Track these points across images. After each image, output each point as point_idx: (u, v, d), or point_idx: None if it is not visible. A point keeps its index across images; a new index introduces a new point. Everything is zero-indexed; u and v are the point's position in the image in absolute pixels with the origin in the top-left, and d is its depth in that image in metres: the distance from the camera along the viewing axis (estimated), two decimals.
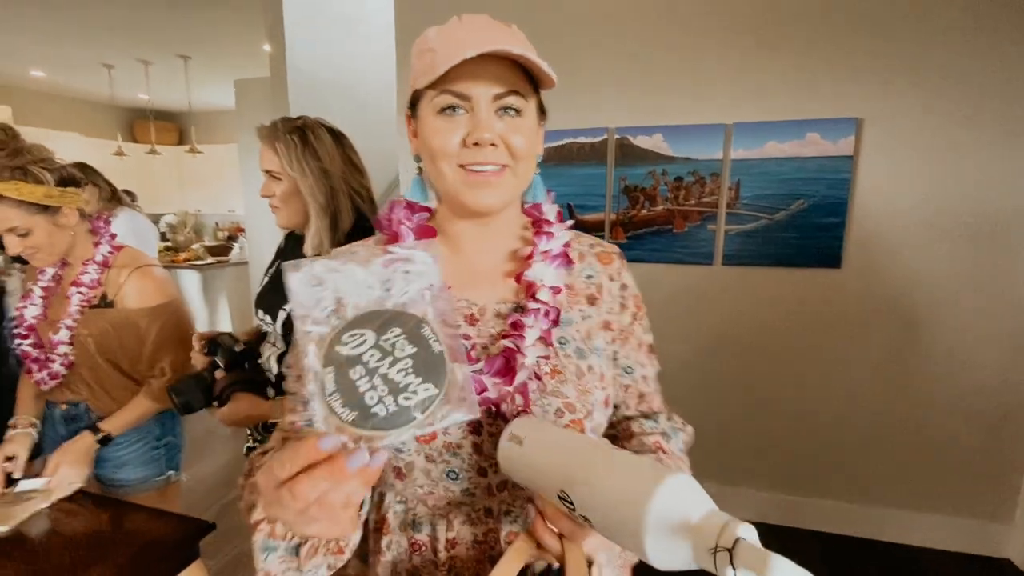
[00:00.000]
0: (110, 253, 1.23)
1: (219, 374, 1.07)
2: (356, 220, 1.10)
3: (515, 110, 0.55)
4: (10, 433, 1.19)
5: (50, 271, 1.23)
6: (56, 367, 1.18)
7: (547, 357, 0.57)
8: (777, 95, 1.96)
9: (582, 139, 2.16)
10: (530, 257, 0.62)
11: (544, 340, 0.57)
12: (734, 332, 2.15)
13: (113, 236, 1.26)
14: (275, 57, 3.09)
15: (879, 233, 1.95)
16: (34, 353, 1.19)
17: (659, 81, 2.07)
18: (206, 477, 2.69)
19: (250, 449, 1.17)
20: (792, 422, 2.15)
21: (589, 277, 0.65)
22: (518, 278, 0.61)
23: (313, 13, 3.14)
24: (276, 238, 1.30)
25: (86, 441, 1.16)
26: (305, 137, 1.06)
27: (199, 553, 1.03)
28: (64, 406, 1.23)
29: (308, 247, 1.08)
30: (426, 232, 0.61)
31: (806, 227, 2.00)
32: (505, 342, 0.56)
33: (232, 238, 6.07)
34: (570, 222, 0.67)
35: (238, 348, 1.08)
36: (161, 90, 5.95)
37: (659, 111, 2.08)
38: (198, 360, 1.10)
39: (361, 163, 1.16)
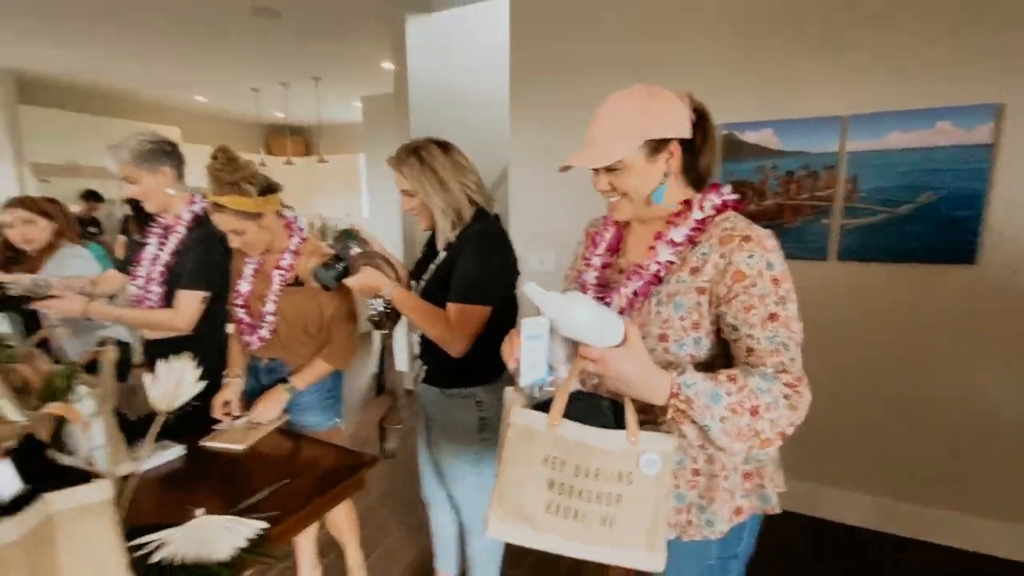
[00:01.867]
0: (300, 244, 1.55)
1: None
2: (476, 211, 1.34)
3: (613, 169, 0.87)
4: (225, 381, 1.54)
5: (255, 257, 1.57)
6: (263, 332, 1.51)
7: (632, 304, 0.88)
8: (900, 83, 1.89)
9: None
10: (658, 238, 0.88)
11: (636, 293, 0.87)
12: (850, 330, 2.08)
13: (301, 230, 1.58)
14: (398, 74, 3.47)
15: (1022, 227, 1.81)
16: (247, 320, 1.54)
17: (769, 76, 2.08)
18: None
19: (370, 314, 1.40)
20: (916, 429, 2.04)
21: (703, 254, 0.84)
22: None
23: (431, 34, 3.47)
24: (394, 238, 1.57)
25: (279, 391, 1.48)
26: (421, 157, 1.31)
27: (364, 483, 1.28)
28: (266, 361, 1.56)
29: (440, 241, 1.35)
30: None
31: (935, 220, 1.90)
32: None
33: None
34: (710, 211, 0.88)
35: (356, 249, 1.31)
36: (295, 108, 6.76)
37: (769, 106, 2.09)
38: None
39: (468, 162, 1.37)
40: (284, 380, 1.50)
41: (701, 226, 0.87)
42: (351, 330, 1.56)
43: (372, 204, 4.68)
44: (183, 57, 4.64)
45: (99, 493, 0.70)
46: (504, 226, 1.41)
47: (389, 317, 1.36)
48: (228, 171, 1.39)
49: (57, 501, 0.68)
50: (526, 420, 0.77)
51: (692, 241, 0.86)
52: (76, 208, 4.60)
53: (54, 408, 0.77)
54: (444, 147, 1.34)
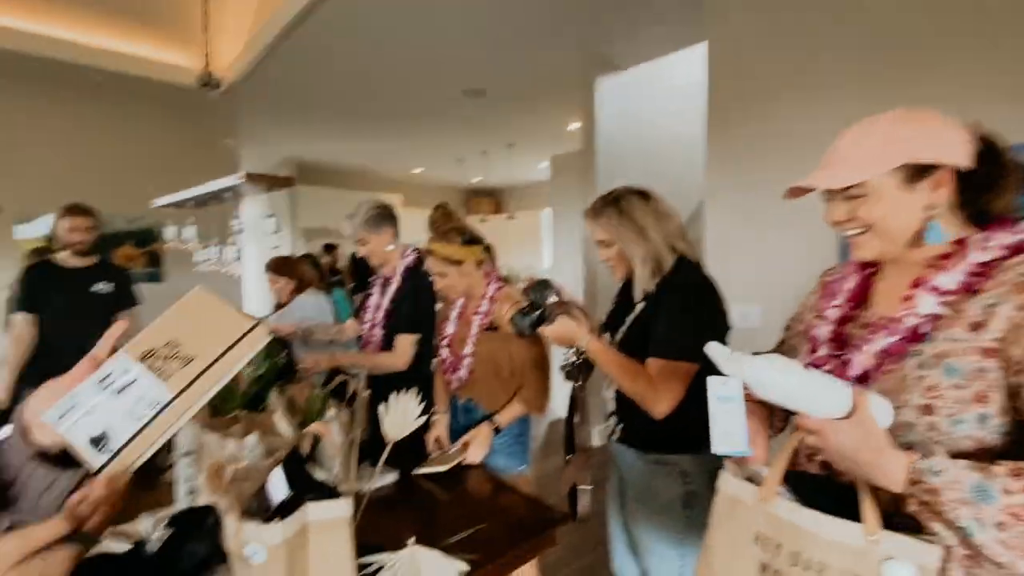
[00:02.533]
0: (496, 291, 1.66)
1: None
2: (677, 259, 1.25)
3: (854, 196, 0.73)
4: (434, 418, 1.69)
5: (459, 302, 1.73)
6: (462, 372, 1.63)
7: (879, 365, 0.71)
8: None
9: None
10: (918, 284, 0.72)
11: (887, 352, 0.71)
12: None
13: (499, 279, 1.69)
14: (585, 131, 3.63)
15: None
16: (450, 360, 1.68)
17: None
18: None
19: (564, 365, 1.38)
20: None
21: (989, 305, 0.66)
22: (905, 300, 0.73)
23: (618, 90, 3.58)
24: (575, 290, 1.53)
25: (487, 430, 1.55)
26: (619, 207, 1.28)
27: (555, 541, 1.24)
28: (463, 400, 1.67)
29: (637, 291, 1.28)
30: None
31: None
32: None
33: None
34: (999, 252, 0.68)
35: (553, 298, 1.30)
36: (490, 171, 7.56)
37: None
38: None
39: (669, 209, 1.31)
40: (481, 420, 1.58)
41: (984, 270, 0.68)
42: (543, 376, 1.59)
43: (555, 255, 4.88)
44: (405, 136, 5.62)
45: (341, 511, 0.80)
46: None
47: (582, 369, 1.34)
48: (442, 222, 1.60)
49: (312, 512, 0.79)
50: (733, 489, 0.68)
51: (970, 289, 0.68)
52: (325, 259, 5.77)
53: (315, 427, 0.91)
54: (643, 195, 1.31)
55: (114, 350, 0.45)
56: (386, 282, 1.96)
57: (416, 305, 1.85)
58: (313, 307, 2.51)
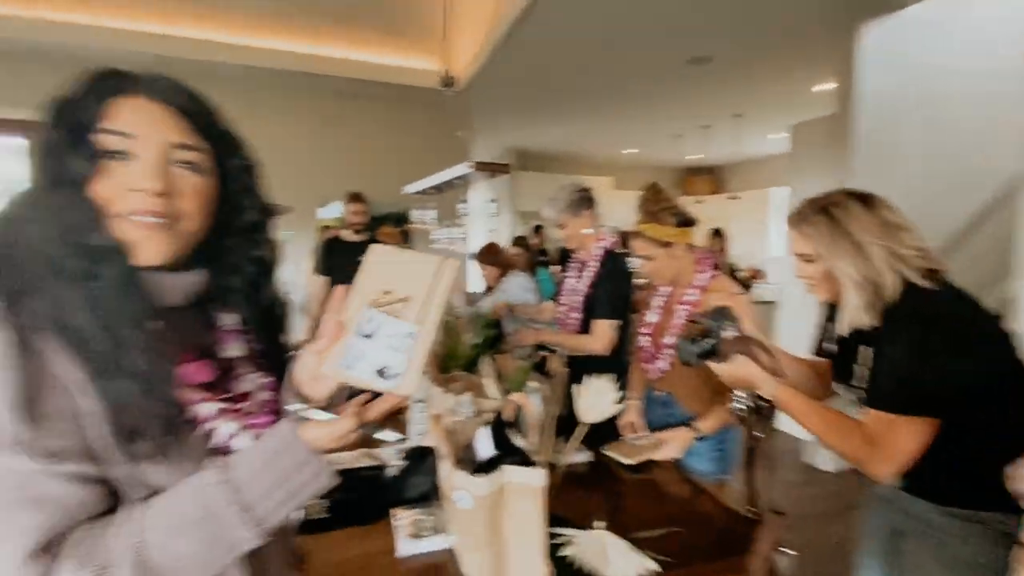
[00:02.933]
0: (708, 280, 1.51)
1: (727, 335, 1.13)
2: (906, 287, 0.93)
3: None
4: (627, 403, 1.65)
5: (664, 289, 1.63)
6: (662, 364, 1.55)
7: None
8: None
9: None
10: None
11: None
12: None
13: (715, 267, 1.54)
14: (840, 93, 3.01)
15: None
16: (649, 350, 1.61)
17: None
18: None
19: (737, 408, 1.21)
20: None
21: None
22: None
23: (890, 37, 2.85)
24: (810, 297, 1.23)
25: (687, 435, 1.46)
26: (831, 215, 0.99)
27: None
28: (660, 393, 1.59)
29: (843, 322, 0.99)
30: None
31: None
32: None
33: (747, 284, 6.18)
34: None
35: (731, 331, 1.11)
36: (711, 148, 6.94)
37: None
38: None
39: (903, 220, 0.98)
40: (680, 418, 1.49)
41: None
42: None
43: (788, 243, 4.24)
44: (619, 117, 5.51)
45: (536, 480, 0.84)
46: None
47: (760, 415, 1.13)
48: (652, 202, 1.51)
49: (510, 474, 0.85)
50: None
51: None
52: (534, 240, 6.13)
53: (517, 396, 0.98)
54: (867, 201, 1.00)
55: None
56: (583, 266, 1.97)
57: (615, 290, 1.81)
58: (517, 288, 2.69)
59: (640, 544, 0.95)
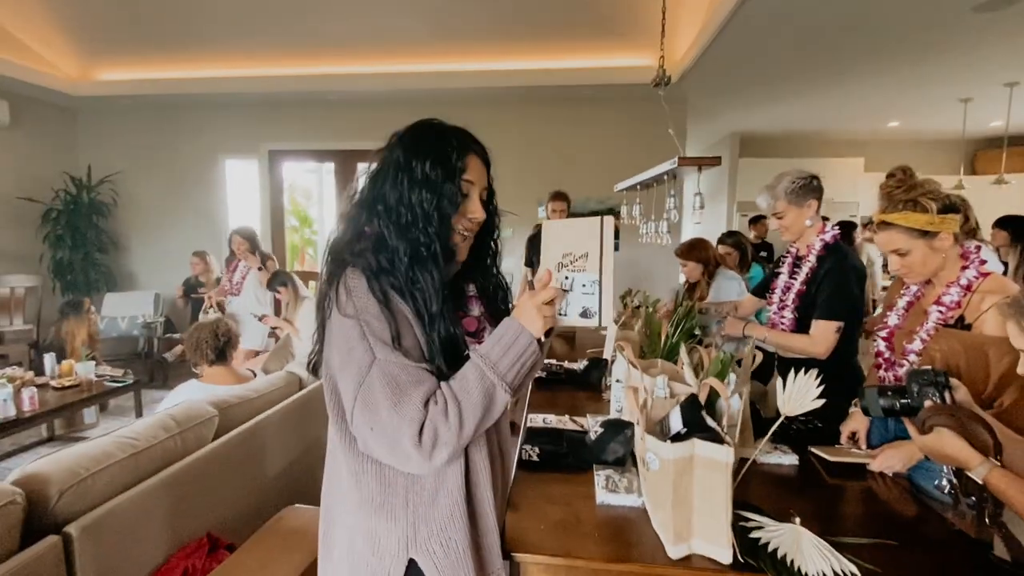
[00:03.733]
0: (975, 278, 1.26)
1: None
2: None
3: None
4: (852, 411, 1.48)
5: (913, 288, 1.42)
6: (901, 371, 1.36)
7: None
8: None
9: None
10: None
11: None
12: None
13: (983, 263, 1.28)
14: None
15: None
16: (886, 354, 1.43)
17: None
18: None
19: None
20: None
21: None
22: None
23: None
24: None
25: (915, 449, 1.28)
26: None
27: None
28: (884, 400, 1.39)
29: None
30: None
31: None
32: None
33: None
34: None
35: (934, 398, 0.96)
36: (1019, 112, 5.26)
37: None
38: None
39: None
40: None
41: None
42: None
43: None
44: (881, 85, 4.61)
45: (724, 456, 0.90)
46: None
47: (966, 495, 0.97)
48: (904, 188, 1.31)
49: (698, 447, 0.93)
50: None
51: None
52: (752, 233, 5.58)
53: (713, 381, 1.04)
54: None
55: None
56: (797, 261, 1.80)
57: (838, 289, 1.63)
58: (730, 291, 2.55)
59: (842, 549, 0.91)
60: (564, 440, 1.36)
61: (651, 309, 1.98)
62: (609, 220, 0.76)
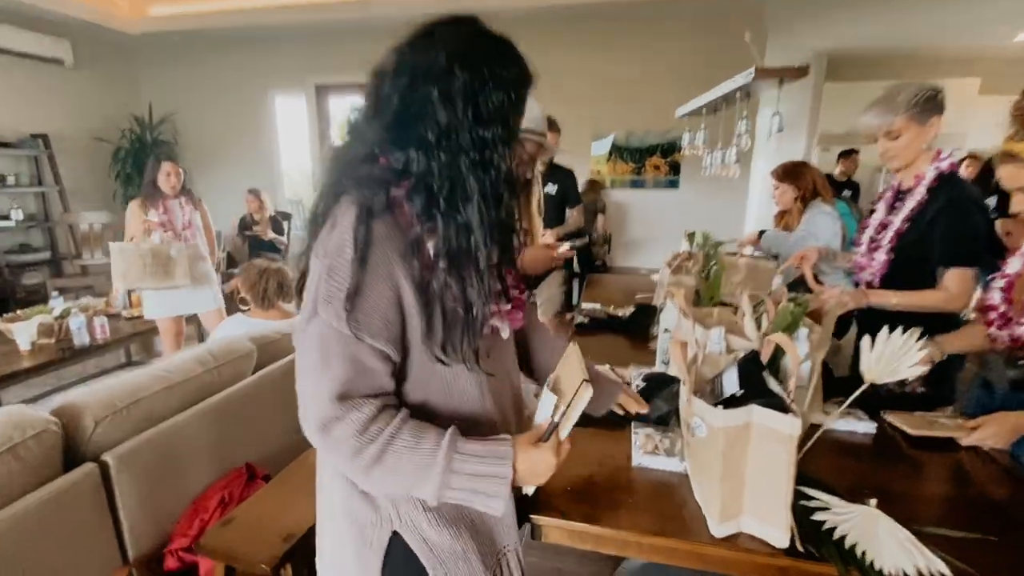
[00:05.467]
0: None
1: None
2: None
3: None
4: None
5: None
6: (1021, 330, 1.12)
7: None
8: None
9: None
10: None
11: None
12: None
13: None
14: None
15: None
16: (1002, 308, 1.18)
17: None
18: None
19: None
20: None
21: None
22: None
23: None
24: None
25: (1019, 420, 1.07)
26: None
27: None
28: (1014, 371, 1.16)
29: None
30: None
31: None
32: None
33: None
34: None
35: None
36: None
37: None
38: None
39: None
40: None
41: None
42: None
43: None
44: None
45: (788, 427, 0.75)
46: None
47: None
48: None
49: (757, 414, 0.78)
50: None
51: None
52: (840, 168, 4.98)
53: (776, 337, 0.87)
54: None
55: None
56: (899, 194, 1.49)
57: (965, 226, 1.33)
58: (825, 229, 2.17)
59: (926, 540, 0.75)
60: None
61: (713, 251, 1.76)
62: (585, 391, 0.67)
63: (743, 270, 2.04)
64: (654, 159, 4.86)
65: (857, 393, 0.80)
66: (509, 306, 0.73)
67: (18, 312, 2.64)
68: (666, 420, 1.11)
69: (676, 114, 2.77)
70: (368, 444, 0.61)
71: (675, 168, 4.84)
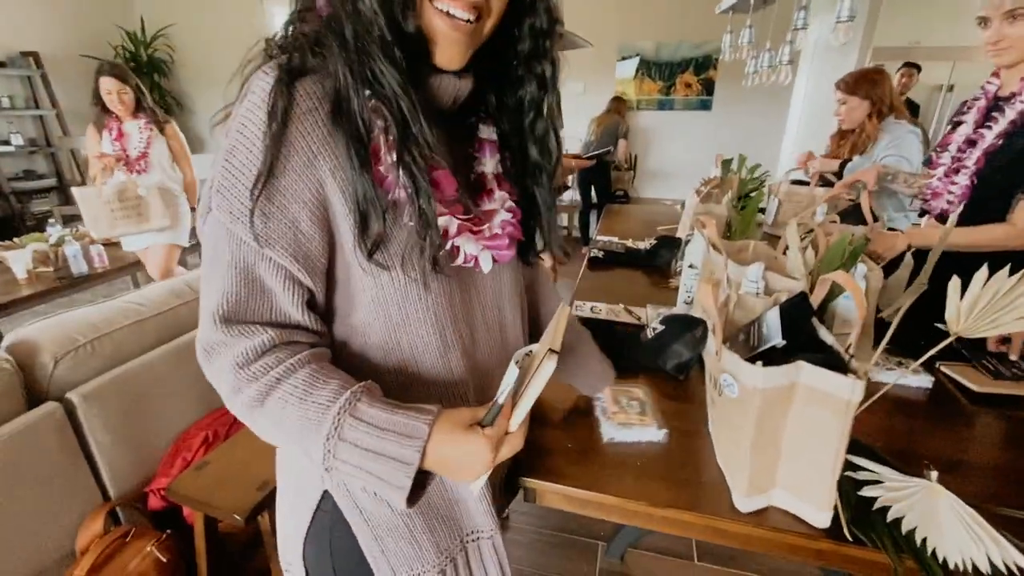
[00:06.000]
0: None
1: None
2: None
3: None
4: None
5: None
6: None
7: None
8: None
9: None
10: None
11: None
12: None
13: None
14: None
15: None
16: None
17: None
18: None
19: None
20: None
21: None
22: None
23: None
24: None
25: None
26: None
27: None
28: None
29: None
30: None
31: None
32: None
33: None
34: None
35: None
36: None
37: None
38: None
39: None
40: None
41: None
42: None
43: None
44: None
45: (847, 391, 0.59)
46: None
47: None
48: None
49: (806, 373, 0.62)
50: None
51: None
52: (900, 84, 4.45)
53: (836, 275, 0.69)
54: None
55: None
56: (995, 103, 1.21)
57: None
58: (910, 146, 1.85)
59: (997, 524, 0.61)
60: (613, 336, 1.09)
61: (751, 176, 1.52)
62: (549, 363, 0.47)
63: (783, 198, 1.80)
64: (686, 76, 4.41)
65: (941, 345, 0.63)
66: (495, 231, 0.56)
67: (14, 240, 2.57)
68: (687, 369, 0.96)
69: (717, 8, 2.38)
70: (248, 383, 0.47)
71: (708, 87, 4.40)
